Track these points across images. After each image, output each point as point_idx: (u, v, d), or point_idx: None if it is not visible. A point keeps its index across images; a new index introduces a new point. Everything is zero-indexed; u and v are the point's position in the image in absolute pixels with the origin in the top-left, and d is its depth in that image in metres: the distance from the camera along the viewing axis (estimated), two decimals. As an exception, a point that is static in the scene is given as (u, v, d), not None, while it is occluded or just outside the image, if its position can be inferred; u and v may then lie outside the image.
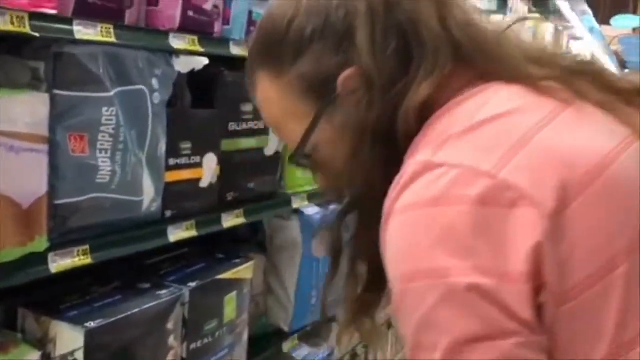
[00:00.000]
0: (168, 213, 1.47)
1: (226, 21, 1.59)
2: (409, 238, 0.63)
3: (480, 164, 0.61)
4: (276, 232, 1.97)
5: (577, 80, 0.72)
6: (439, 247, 0.60)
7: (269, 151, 1.82)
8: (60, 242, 1.21)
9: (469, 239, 0.59)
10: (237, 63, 1.69)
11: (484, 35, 0.75)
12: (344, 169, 0.76)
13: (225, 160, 1.64)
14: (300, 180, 1.98)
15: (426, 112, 0.70)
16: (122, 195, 1.32)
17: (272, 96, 0.79)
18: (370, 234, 0.70)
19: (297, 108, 0.78)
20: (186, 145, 1.51)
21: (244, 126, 1.71)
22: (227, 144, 1.66)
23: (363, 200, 0.76)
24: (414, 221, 0.62)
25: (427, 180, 0.62)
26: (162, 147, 1.42)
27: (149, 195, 1.39)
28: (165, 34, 1.40)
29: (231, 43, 1.59)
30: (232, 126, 1.67)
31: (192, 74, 1.49)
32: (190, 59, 1.45)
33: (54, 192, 1.18)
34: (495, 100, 0.69)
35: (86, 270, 1.31)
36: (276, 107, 0.80)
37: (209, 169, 1.59)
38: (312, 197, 2.01)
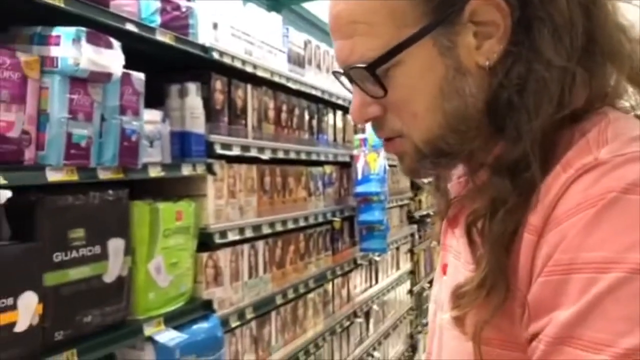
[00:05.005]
0: (-33, 371, 1.29)
1: (41, 146, 1.47)
2: None
3: None
4: (130, 364, 1.79)
5: None
6: None
7: (109, 277, 1.67)
8: None
9: None
10: (59, 188, 1.57)
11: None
12: (429, 113, 0.67)
13: (50, 296, 1.48)
14: (153, 303, 1.83)
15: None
16: None
17: None
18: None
19: (404, 9, 0.66)
20: (-10, 289, 1.35)
21: (74, 255, 1.56)
22: (51, 278, 1.50)
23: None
24: None
25: None
26: (-46, 296, 1.25)
27: None
28: (-47, 169, 1.26)
29: (47, 169, 1.47)
30: (58, 257, 1.52)
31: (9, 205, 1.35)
32: (-14, 193, 1.31)
33: None
34: None
35: None
36: None
37: (26, 310, 1.41)
38: (169, 320, 1.86)
